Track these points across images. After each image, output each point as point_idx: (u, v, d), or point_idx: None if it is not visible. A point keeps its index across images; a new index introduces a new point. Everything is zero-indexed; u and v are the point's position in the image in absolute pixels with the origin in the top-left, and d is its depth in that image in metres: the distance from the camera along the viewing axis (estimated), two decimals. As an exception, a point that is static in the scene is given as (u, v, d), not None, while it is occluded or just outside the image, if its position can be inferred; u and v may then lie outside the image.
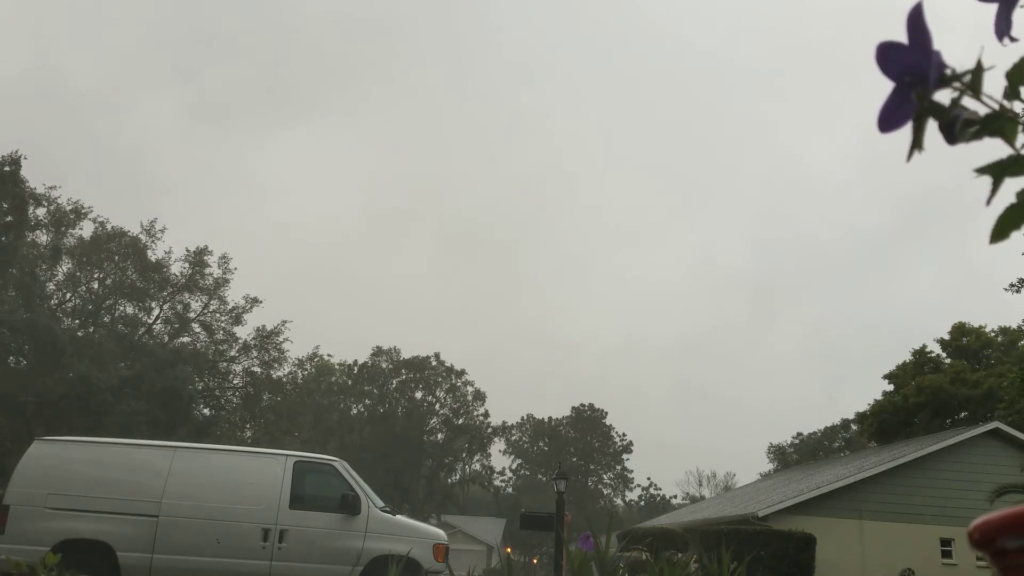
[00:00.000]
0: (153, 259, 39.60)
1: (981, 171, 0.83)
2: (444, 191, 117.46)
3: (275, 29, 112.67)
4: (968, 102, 0.82)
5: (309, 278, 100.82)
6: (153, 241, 39.55)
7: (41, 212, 35.74)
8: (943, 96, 0.82)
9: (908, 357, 46.66)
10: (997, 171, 0.82)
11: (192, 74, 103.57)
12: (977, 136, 0.81)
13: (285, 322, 42.79)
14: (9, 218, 31.16)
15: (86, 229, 38.61)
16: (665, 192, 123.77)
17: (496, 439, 77.64)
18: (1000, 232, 0.84)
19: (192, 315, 41.49)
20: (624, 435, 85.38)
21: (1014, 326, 42.25)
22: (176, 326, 41.37)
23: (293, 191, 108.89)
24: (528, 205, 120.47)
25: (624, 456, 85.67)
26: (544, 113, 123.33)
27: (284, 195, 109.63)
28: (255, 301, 42.13)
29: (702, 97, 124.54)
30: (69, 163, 79.36)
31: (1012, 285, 20.97)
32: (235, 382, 42.83)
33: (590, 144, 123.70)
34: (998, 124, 0.80)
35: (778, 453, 76.28)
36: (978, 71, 0.80)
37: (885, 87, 0.84)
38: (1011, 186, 0.83)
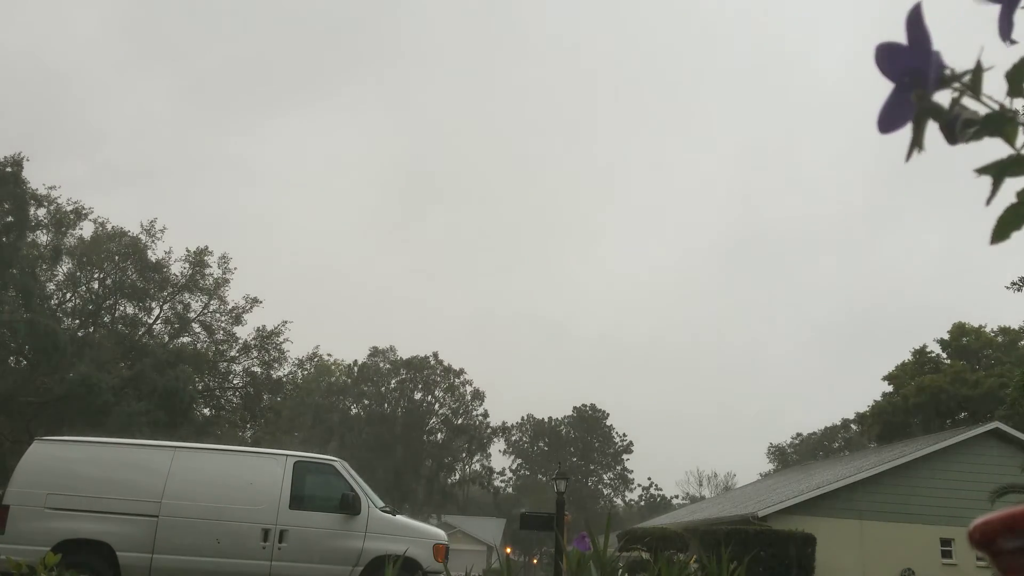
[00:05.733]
0: (153, 259, 39.59)
1: (981, 171, 0.83)
2: (441, 187, 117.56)
3: (270, 15, 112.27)
4: (968, 102, 0.82)
5: (309, 278, 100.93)
6: (153, 241, 39.57)
7: (41, 212, 35.78)
8: (943, 96, 0.82)
9: (908, 357, 46.74)
10: (997, 171, 0.82)
11: (186, 59, 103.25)
12: (977, 136, 0.81)
13: (285, 322, 42.80)
14: (10, 218, 31.21)
15: (86, 229, 38.67)
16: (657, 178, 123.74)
17: (496, 439, 77.71)
18: (1001, 232, 0.84)
19: (192, 315, 41.49)
20: (624, 435, 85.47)
21: (1014, 326, 42.26)
22: (176, 326, 41.35)
23: (291, 187, 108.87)
24: (524, 199, 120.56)
25: (624, 456, 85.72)
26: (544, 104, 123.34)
27: (281, 193, 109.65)
28: (255, 301, 42.13)
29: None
30: (58, 154, 79.31)
31: (1013, 283, 20.94)
32: (235, 382, 42.82)
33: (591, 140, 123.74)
34: (998, 124, 0.80)
35: (778, 453, 76.39)
36: (978, 71, 0.80)
37: (885, 86, 0.84)
38: (1011, 186, 0.83)
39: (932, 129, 0.83)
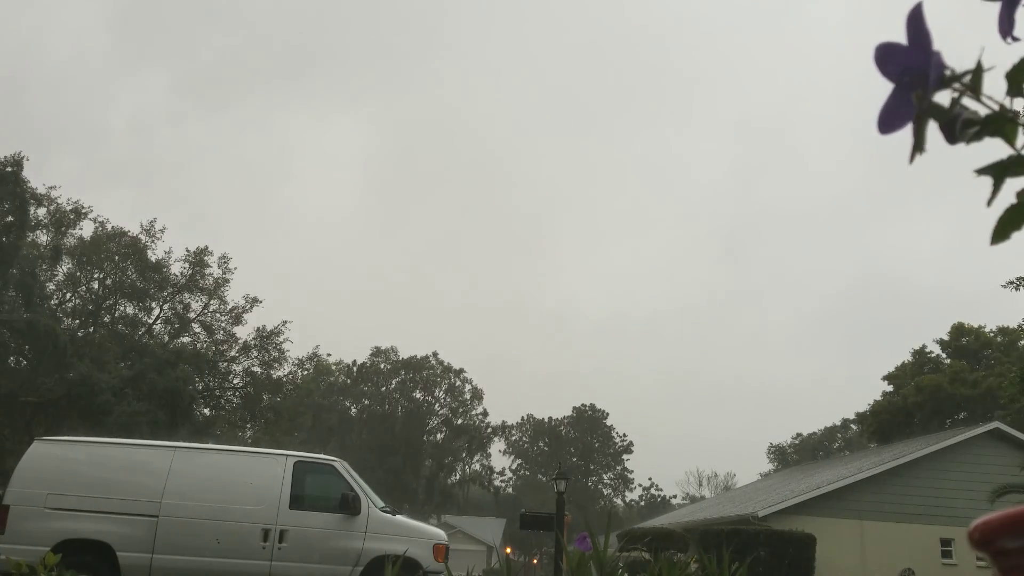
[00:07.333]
0: (153, 259, 39.60)
1: (981, 172, 0.83)
2: (437, 184, 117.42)
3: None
4: (968, 102, 0.81)
5: (309, 277, 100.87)
6: (153, 241, 39.59)
7: (41, 212, 35.76)
8: (943, 97, 0.82)
9: (908, 357, 46.79)
10: (997, 172, 0.82)
11: (182, 54, 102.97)
12: (977, 137, 0.80)
13: (285, 322, 42.78)
14: (10, 218, 31.18)
15: (86, 229, 38.67)
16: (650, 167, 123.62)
17: (496, 439, 77.72)
18: (1001, 233, 0.84)
19: (192, 315, 41.51)
20: (624, 435, 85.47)
21: (1013, 326, 42.23)
22: (176, 326, 41.36)
23: (290, 185, 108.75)
24: (523, 194, 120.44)
25: (624, 456, 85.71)
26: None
27: (280, 191, 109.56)
28: (255, 301, 42.14)
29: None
30: (56, 151, 79.15)
31: (1010, 282, 20.79)
32: (235, 382, 42.79)
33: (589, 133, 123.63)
34: (999, 125, 0.80)
35: (778, 453, 76.39)
36: (978, 71, 0.80)
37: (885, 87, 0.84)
38: (1012, 186, 0.83)
39: (932, 128, 0.82)
